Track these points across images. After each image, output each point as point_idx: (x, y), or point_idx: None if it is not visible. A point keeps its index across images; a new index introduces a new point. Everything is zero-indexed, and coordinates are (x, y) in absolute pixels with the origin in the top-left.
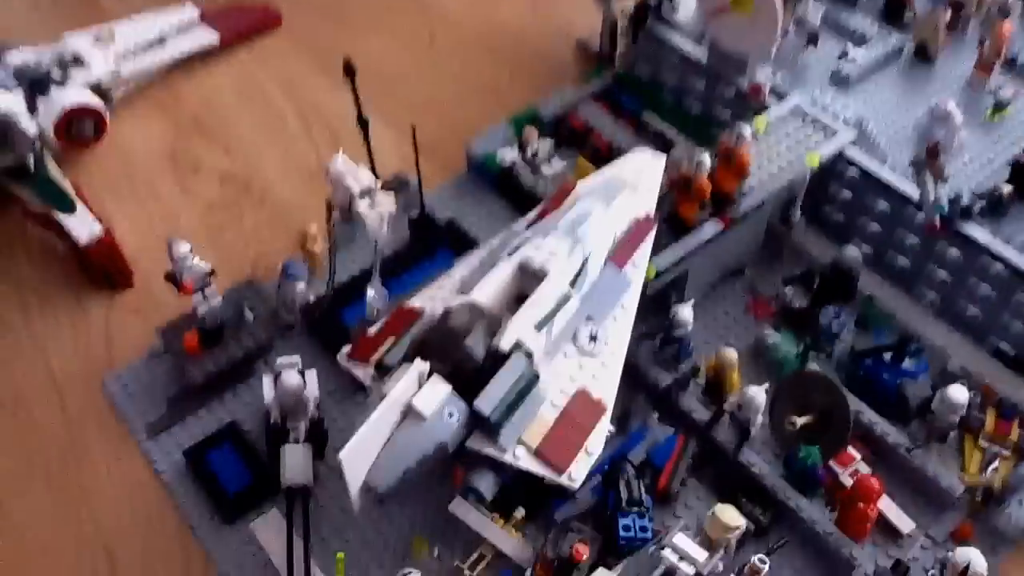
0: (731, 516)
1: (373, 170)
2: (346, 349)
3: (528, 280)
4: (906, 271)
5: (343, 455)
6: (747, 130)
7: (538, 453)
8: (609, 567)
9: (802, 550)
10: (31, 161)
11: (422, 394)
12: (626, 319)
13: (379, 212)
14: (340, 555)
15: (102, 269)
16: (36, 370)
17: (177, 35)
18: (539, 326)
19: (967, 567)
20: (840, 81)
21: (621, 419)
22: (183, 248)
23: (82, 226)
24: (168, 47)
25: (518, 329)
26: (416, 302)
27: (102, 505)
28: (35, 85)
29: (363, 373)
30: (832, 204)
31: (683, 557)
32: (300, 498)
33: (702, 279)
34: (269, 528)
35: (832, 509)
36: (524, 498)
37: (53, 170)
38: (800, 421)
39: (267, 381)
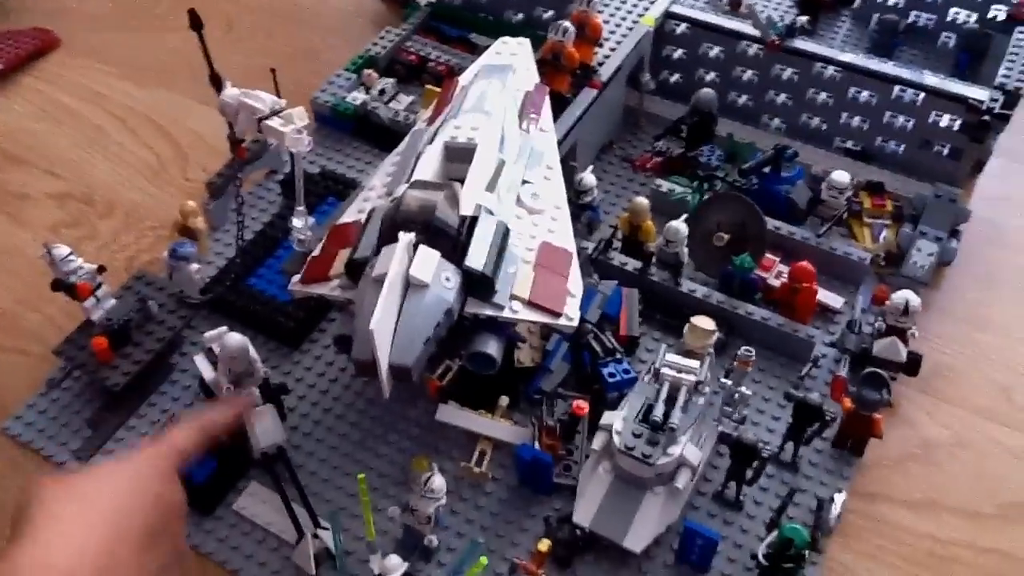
0: (706, 322)
1: (232, 131)
2: (296, 278)
3: (456, 159)
4: (749, 107)
5: (374, 325)
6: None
7: (531, 303)
8: None
9: (761, 352)
10: None
11: (416, 264)
12: (556, 176)
13: (295, 127)
14: (361, 476)
15: None
16: None
17: None
18: (489, 188)
19: (906, 305)
20: None
21: None
22: (63, 251)
23: None
24: None
25: (473, 194)
26: (347, 219)
27: None
28: None
29: (328, 287)
30: (669, 67)
31: (680, 370)
32: (279, 459)
33: (586, 151)
34: (254, 501)
35: (773, 309)
36: (501, 388)
37: None
38: (726, 236)
39: (200, 359)
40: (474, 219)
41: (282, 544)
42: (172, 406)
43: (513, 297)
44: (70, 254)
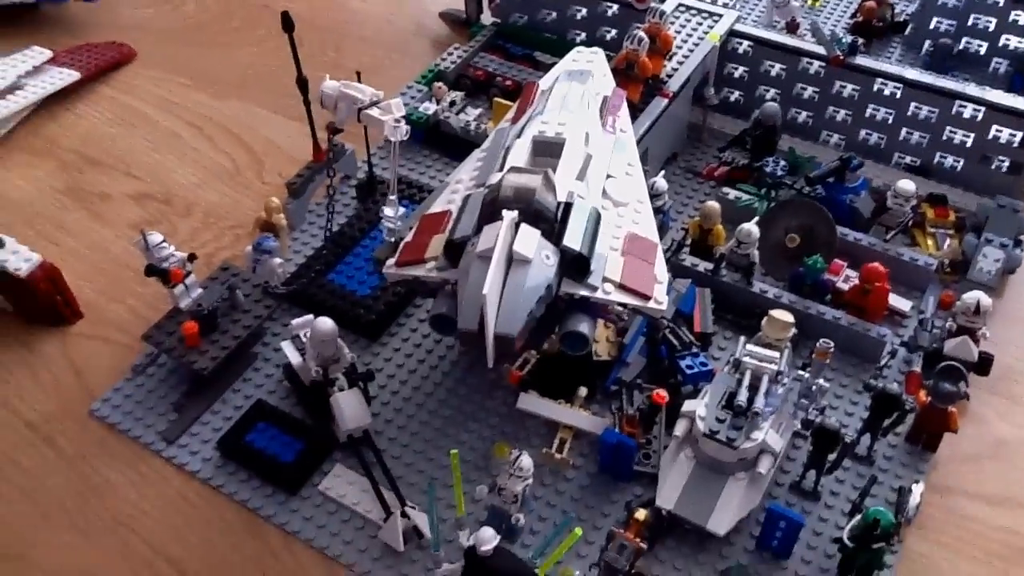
0: (784, 314)
1: (314, 134)
2: (391, 262)
3: (544, 153)
4: (808, 124)
5: (487, 290)
6: (668, 8)
7: (622, 286)
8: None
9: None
10: None
11: (519, 240)
12: (637, 172)
13: (394, 116)
14: (454, 452)
15: (48, 300)
16: (10, 427)
17: (33, 79)
18: (579, 178)
19: (978, 304)
20: None
21: None
22: (157, 237)
23: (17, 259)
24: (28, 91)
25: (566, 182)
26: (436, 208)
27: (147, 525)
28: None
29: (424, 269)
30: (730, 85)
31: (761, 360)
32: (364, 442)
33: (653, 163)
34: (340, 482)
35: (844, 311)
36: (580, 379)
37: None
38: (797, 238)
39: (287, 346)
40: (569, 204)
41: (367, 523)
42: (256, 392)
43: (605, 279)
44: (163, 241)
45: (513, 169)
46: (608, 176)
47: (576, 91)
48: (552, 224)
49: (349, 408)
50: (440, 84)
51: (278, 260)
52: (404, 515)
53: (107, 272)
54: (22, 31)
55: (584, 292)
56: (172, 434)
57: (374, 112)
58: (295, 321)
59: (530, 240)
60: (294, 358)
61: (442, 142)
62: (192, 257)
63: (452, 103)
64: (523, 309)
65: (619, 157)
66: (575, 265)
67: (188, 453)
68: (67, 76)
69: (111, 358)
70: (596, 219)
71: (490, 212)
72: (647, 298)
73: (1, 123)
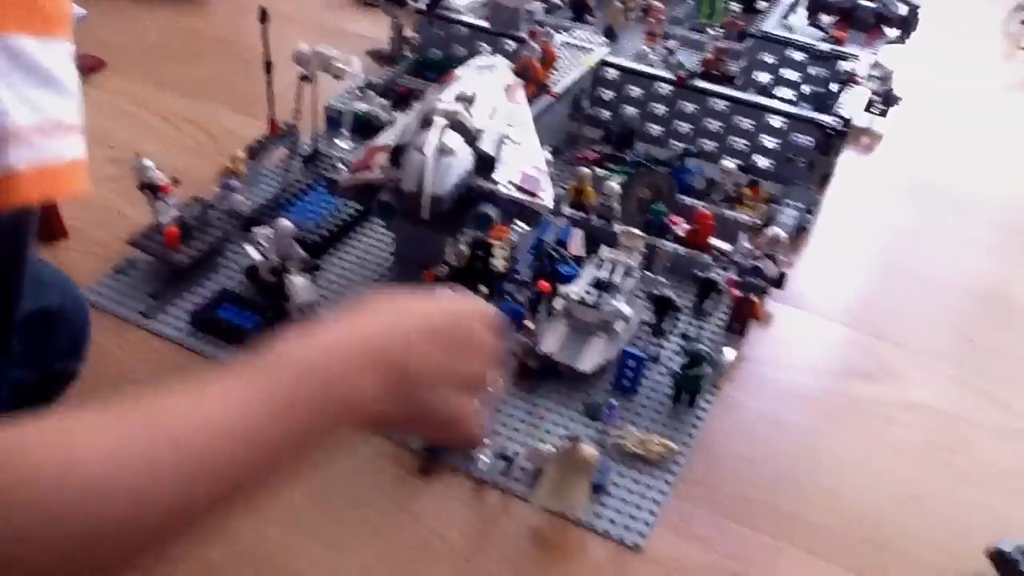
0: (635, 231)
1: (271, 109)
2: (344, 172)
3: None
4: (660, 135)
5: (427, 151)
6: (551, 33)
7: (519, 188)
8: None
9: (670, 276)
10: None
11: (446, 138)
12: (531, 129)
13: (353, 68)
14: None
15: (42, 218)
16: None
17: None
18: (490, 117)
19: (776, 236)
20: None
21: None
22: (149, 161)
23: None
24: None
25: (480, 117)
26: (379, 142)
27: (131, 377)
28: None
29: (373, 173)
30: (601, 106)
31: (617, 256)
32: (313, 315)
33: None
34: None
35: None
36: (484, 282)
37: None
38: (648, 192)
39: (250, 248)
40: (481, 129)
41: None
42: (218, 285)
43: (508, 181)
44: (153, 166)
45: (440, 100)
46: (509, 124)
47: (484, 75)
48: (470, 136)
49: (302, 287)
50: (370, 91)
51: (240, 197)
52: None
53: (90, 209)
54: None
55: (490, 186)
56: (152, 312)
57: (341, 63)
58: (256, 228)
59: (455, 138)
60: (255, 255)
61: (372, 133)
62: (176, 181)
63: (381, 106)
64: (450, 181)
65: (517, 116)
66: (485, 165)
67: (163, 325)
68: None
69: (95, 269)
70: (501, 138)
71: (425, 126)
72: (536, 196)
73: None
